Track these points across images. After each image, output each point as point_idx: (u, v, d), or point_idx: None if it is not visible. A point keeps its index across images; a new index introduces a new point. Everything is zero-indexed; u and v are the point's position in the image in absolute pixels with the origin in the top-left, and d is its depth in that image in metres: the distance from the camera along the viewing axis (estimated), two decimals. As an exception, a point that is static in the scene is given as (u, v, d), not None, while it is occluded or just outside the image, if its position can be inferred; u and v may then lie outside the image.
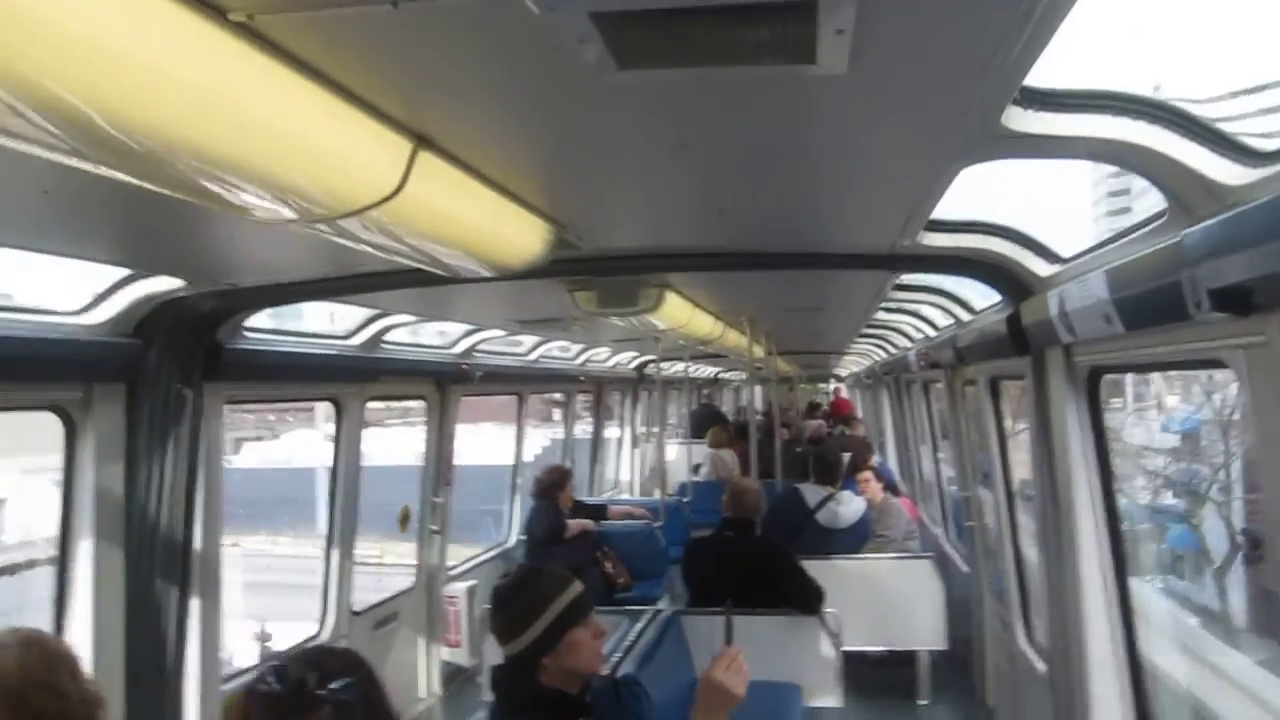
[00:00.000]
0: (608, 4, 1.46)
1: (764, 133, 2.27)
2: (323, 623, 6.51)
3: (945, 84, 1.98)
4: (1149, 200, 2.81)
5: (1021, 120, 2.25)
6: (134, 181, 1.82)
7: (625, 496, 13.22)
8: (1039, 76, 2.09)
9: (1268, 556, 2.38)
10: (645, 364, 12.84)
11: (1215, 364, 2.58)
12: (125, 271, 3.95)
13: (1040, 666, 5.15)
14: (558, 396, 12.23)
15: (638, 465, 14.57)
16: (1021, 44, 1.77)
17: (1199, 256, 2.15)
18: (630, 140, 2.35)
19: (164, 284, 4.01)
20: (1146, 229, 2.75)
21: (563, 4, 1.42)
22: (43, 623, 4.10)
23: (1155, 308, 2.52)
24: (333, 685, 2.14)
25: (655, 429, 13.77)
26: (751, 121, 2.17)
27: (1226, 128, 2.20)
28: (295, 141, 1.84)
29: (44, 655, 2.22)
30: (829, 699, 5.88)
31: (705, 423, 14.18)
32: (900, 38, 1.73)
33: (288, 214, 2.14)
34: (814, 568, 6.28)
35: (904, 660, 7.37)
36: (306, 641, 6.46)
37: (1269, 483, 2.34)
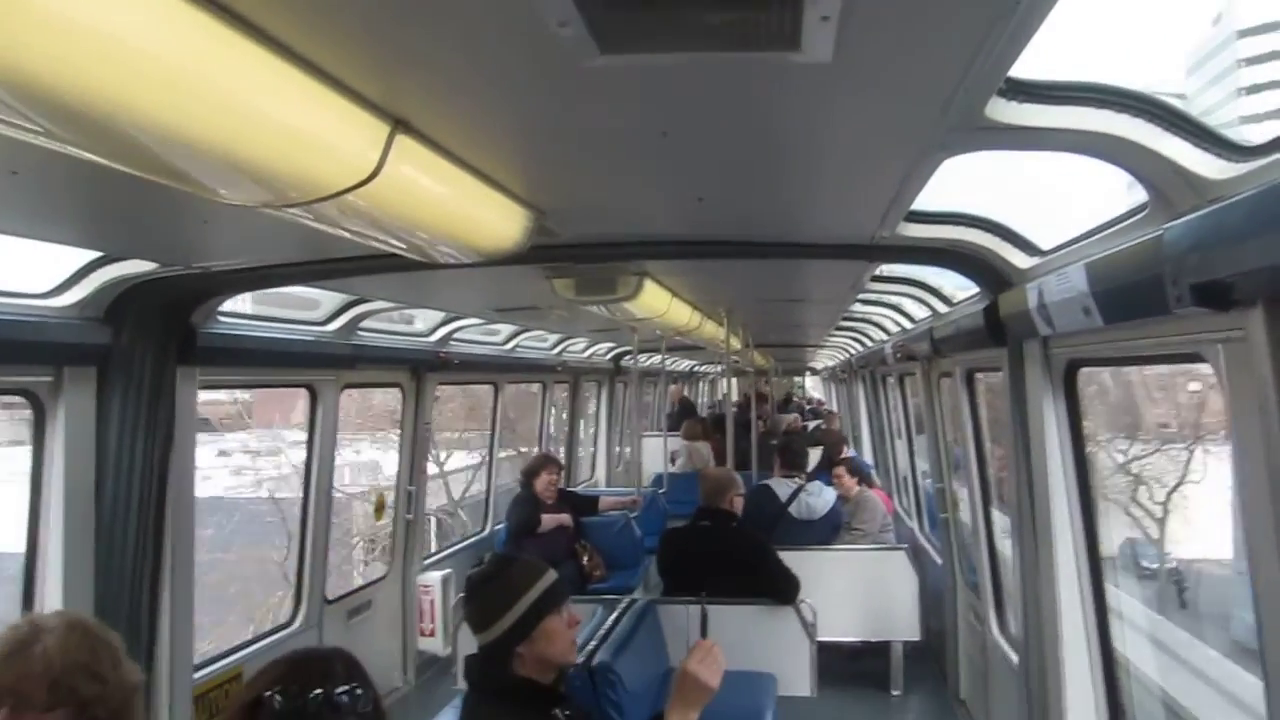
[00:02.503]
0: None
1: (747, 119, 2.25)
2: (296, 611, 6.46)
3: (930, 73, 1.96)
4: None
5: (1005, 111, 2.24)
6: (104, 163, 1.78)
7: (601, 488, 13.20)
8: (1023, 68, 2.09)
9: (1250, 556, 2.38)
10: (621, 355, 12.82)
11: (1193, 358, 2.58)
12: (96, 254, 3.90)
13: (1013, 657, 5.17)
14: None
15: (614, 457, 14.56)
16: (1008, 34, 1.76)
17: (1180, 251, 2.15)
18: (612, 125, 2.32)
19: (136, 267, 3.96)
20: (1127, 222, 2.76)
21: None
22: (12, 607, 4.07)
23: (1135, 301, 2.53)
24: (343, 692, 2.10)
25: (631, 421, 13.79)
26: (734, 108, 2.15)
27: (1210, 121, 2.20)
28: (269, 122, 1.81)
29: (87, 640, 2.20)
30: (803, 689, 5.89)
31: (686, 417, 14.29)
32: (886, 26, 1.72)
33: (261, 197, 2.10)
34: (789, 559, 6.28)
35: (877, 651, 7.40)
36: (276, 631, 6.42)
37: (1243, 478, 2.35)
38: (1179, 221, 2.18)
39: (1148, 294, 2.33)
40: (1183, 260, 2.13)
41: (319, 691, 2.05)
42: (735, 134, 2.39)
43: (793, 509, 7.67)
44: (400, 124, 2.15)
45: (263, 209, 2.18)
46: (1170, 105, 2.22)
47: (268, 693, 2.05)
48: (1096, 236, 3.02)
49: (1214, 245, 2.03)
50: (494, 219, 2.97)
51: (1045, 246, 3.58)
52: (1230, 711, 7.32)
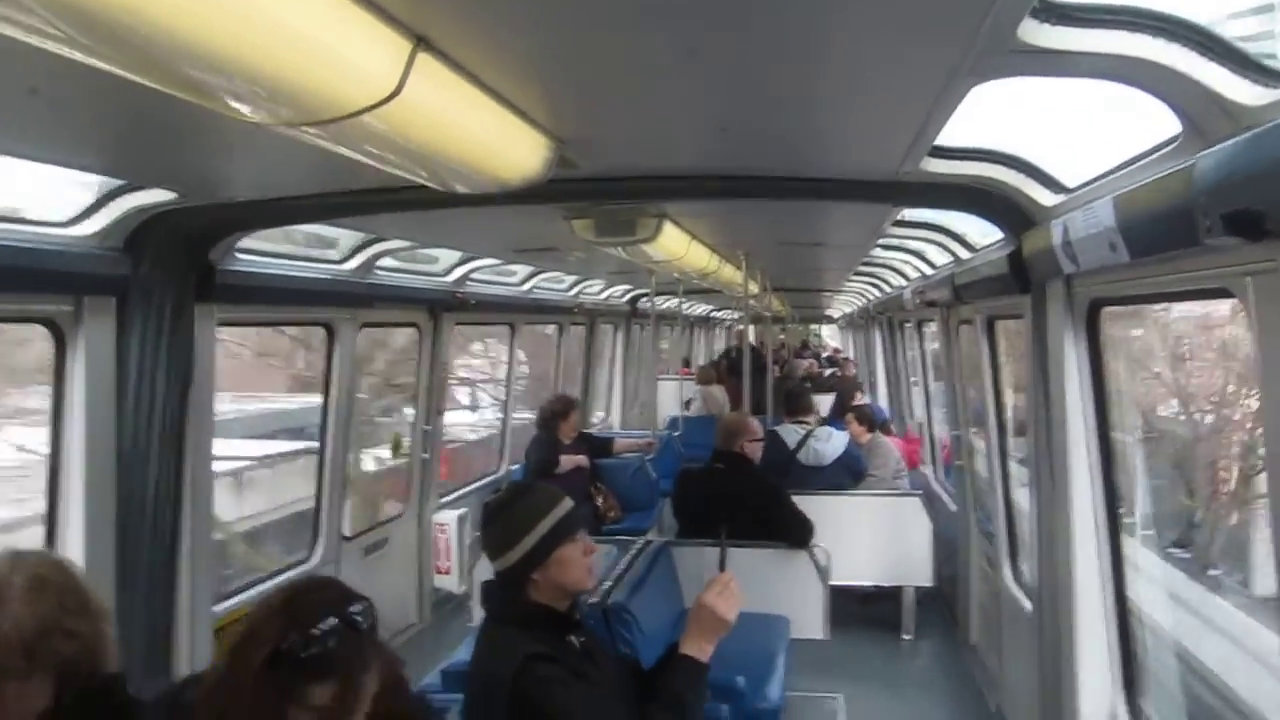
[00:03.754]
0: None
1: (774, 39, 2.21)
2: (313, 547, 6.54)
3: None
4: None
5: (1037, 34, 2.20)
6: (121, 74, 1.76)
7: (616, 430, 13.25)
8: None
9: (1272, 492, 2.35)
10: (638, 298, 12.79)
11: (1221, 293, 2.55)
12: (115, 182, 3.89)
13: (1025, 604, 5.19)
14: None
15: (628, 399, 14.59)
16: None
17: (1212, 180, 2.11)
18: (637, 45, 2.28)
19: (156, 196, 3.95)
20: (1157, 154, 2.71)
21: None
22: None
23: (1163, 234, 2.49)
24: (354, 611, 2.07)
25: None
26: (762, 27, 2.11)
27: (1247, 46, 2.15)
28: (290, 34, 1.77)
29: (54, 595, 2.07)
30: (815, 631, 5.93)
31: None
32: None
33: (280, 114, 2.08)
34: (804, 504, 6.31)
35: (889, 596, 7.45)
36: (291, 567, 6.50)
37: (1273, 416, 2.32)
38: (1212, 150, 2.13)
39: (1177, 226, 2.30)
40: (1215, 190, 2.10)
41: (333, 620, 2.01)
42: (762, 54, 2.34)
43: (801, 455, 7.69)
44: (422, 41, 2.11)
45: (281, 128, 2.15)
46: (1205, 28, 2.17)
47: (284, 643, 1.97)
48: (1124, 170, 2.98)
49: (1248, 173, 1.99)
50: (514, 147, 2.94)
51: (1071, 183, 3.53)
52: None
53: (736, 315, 18.01)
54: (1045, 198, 3.67)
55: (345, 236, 5.97)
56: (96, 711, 2.07)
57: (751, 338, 11.15)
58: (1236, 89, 2.17)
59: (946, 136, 3.33)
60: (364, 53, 2.00)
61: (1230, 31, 2.20)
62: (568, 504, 2.93)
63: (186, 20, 1.58)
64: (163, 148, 3.29)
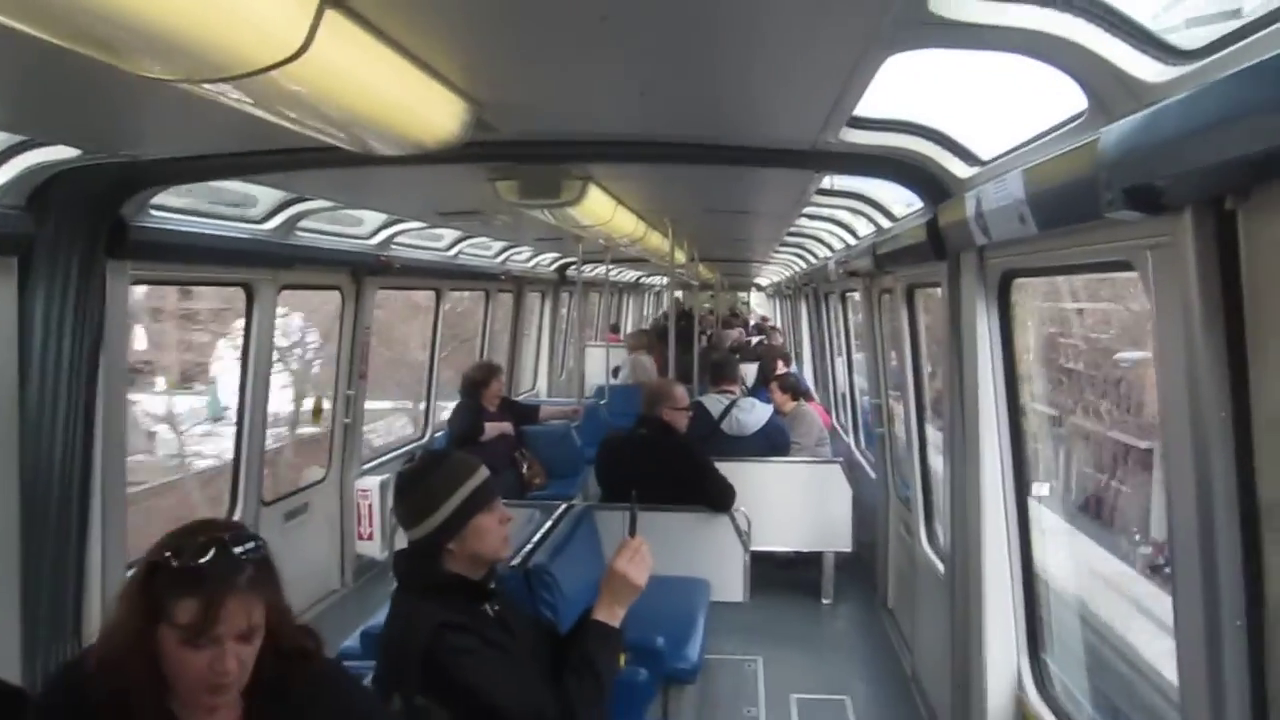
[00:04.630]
0: None
1: (690, 4, 2.20)
2: (231, 512, 6.44)
3: None
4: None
5: (949, 6, 2.21)
6: (14, 25, 1.69)
7: (543, 397, 13.23)
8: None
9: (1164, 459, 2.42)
10: (566, 265, 12.74)
11: (1123, 265, 2.61)
12: (15, 139, 3.74)
13: (939, 568, 5.30)
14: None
15: (556, 368, 14.57)
16: None
17: (1115, 155, 2.16)
18: (552, 8, 2.26)
19: (59, 153, 3.81)
20: (1066, 128, 2.76)
21: None
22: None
23: (1069, 207, 2.54)
24: (242, 552, 2.07)
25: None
26: None
27: (1150, 23, 2.19)
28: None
29: None
30: (735, 595, 6.01)
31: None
32: None
33: (182, 69, 2.01)
34: (726, 470, 6.37)
35: (809, 561, 7.56)
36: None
37: (1165, 385, 2.39)
38: (1114, 125, 2.18)
39: (1081, 199, 2.34)
40: (1116, 164, 2.14)
41: (215, 550, 2.01)
42: (679, 19, 2.33)
43: (724, 425, 7.75)
44: None
45: (184, 84, 2.09)
46: (1111, 6, 2.20)
47: (159, 557, 2.00)
48: (1035, 144, 3.03)
49: (1147, 149, 2.03)
50: (431, 109, 2.89)
51: (986, 156, 3.58)
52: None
53: (665, 281, 18.09)
54: (960, 170, 3.72)
55: (265, 195, 5.84)
56: None
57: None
58: (1138, 65, 2.21)
59: (867, 108, 3.35)
60: (268, 6, 1.94)
61: (1136, 8, 2.24)
62: (484, 473, 2.92)
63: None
64: (63, 103, 3.16)
